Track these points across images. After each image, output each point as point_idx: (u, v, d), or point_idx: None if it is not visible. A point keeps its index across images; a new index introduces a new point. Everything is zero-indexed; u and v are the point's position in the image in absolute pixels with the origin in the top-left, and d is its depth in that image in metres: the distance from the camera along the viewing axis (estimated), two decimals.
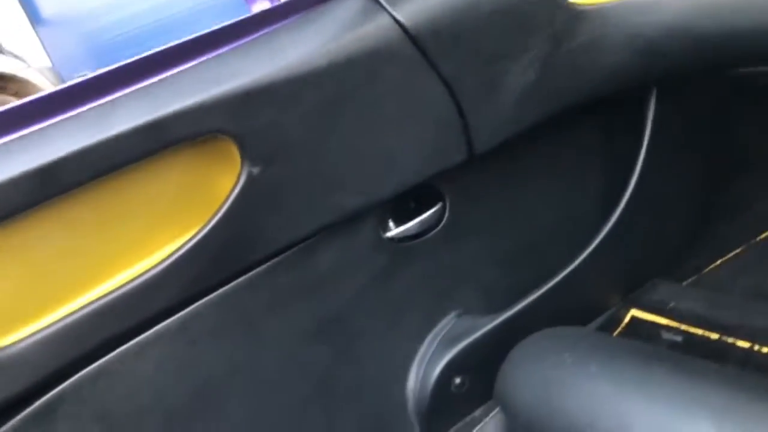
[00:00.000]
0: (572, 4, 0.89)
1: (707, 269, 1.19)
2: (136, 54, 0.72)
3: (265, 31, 0.80)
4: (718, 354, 0.98)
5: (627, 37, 0.90)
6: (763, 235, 1.22)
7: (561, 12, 0.88)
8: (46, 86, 5.12)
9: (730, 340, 1.01)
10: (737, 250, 1.21)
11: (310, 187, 0.81)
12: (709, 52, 0.88)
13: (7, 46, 4.96)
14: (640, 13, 0.89)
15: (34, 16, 8.93)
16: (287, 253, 0.83)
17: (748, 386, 0.71)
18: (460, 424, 1.00)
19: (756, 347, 0.97)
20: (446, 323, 1.00)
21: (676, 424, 0.68)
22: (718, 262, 1.20)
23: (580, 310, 1.09)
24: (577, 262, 1.07)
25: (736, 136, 1.22)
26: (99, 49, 8.63)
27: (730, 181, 1.22)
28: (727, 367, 0.94)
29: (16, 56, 4.92)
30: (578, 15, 0.89)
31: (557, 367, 0.84)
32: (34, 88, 5.10)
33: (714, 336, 1.03)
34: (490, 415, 1.01)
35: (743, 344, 0.98)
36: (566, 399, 0.79)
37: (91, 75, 0.69)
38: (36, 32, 8.98)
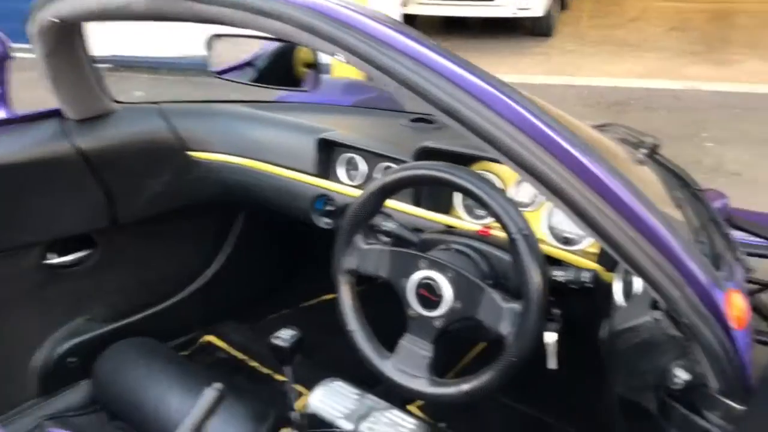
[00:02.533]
0: (189, 155, 1.57)
1: (265, 319, 1.94)
2: None
3: None
4: (234, 370, 1.70)
5: (220, 181, 1.60)
6: (306, 303, 2.01)
7: (182, 158, 1.56)
8: None
9: (252, 363, 1.74)
10: (287, 310, 1.98)
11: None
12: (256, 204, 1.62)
13: None
14: (230, 171, 1.59)
15: None
16: None
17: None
18: (68, 387, 1.57)
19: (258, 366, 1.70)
20: (77, 324, 1.58)
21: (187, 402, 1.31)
22: (274, 315, 1.95)
23: (170, 329, 1.75)
24: (176, 298, 1.73)
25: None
26: None
27: (297, 270, 2.00)
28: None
29: None
30: (192, 161, 1.57)
31: (135, 367, 1.46)
32: None
33: (249, 360, 1.75)
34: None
35: (253, 364, 1.72)
36: (138, 388, 1.40)
37: None
38: None
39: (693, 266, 0.76)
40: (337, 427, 1.34)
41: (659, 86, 5.35)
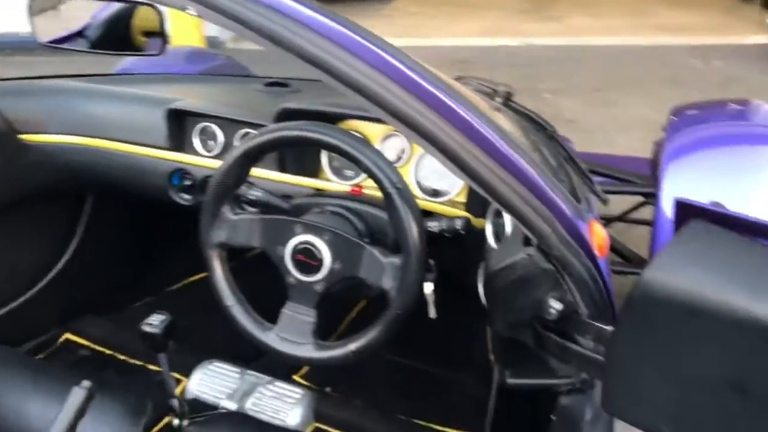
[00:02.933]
0: (20, 138, 1.41)
1: (128, 309, 1.81)
2: None
3: None
4: (101, 366, 1.58)
5: (61, 165, 1.45)
6: (172, 287, 1.91)
7: (11, 142, 1.39)
8: None
9: (120, 356, 1.63)
10: (152, 296, 1.87)
11: None
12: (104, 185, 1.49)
13: None
14: (73, 153, 1.45)
15: None
16: None
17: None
18: None
19: (127, 359, 1.59)
20: None
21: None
22: (138, 303, 1.84)
23: (21, 332, 1.58)
24: (24, 297, 1.57)
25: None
26: None
27: (158, 253, 1.89)
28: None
29: None
30: (25, 146, 1.41)
31: None
32: None
33: (116, 354, 1.63)
34: None
35: (122, 357, 1.61)
36: None
37: None
38: None
39: (559, 201, 0.79)
40: (222, 409, 1.29)
41: (498, 44, 5.61)
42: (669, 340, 0.70)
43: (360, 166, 0.94)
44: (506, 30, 6.00)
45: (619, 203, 2.03)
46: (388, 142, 1.25)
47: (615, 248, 1.81)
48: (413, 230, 0.91)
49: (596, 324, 0.82)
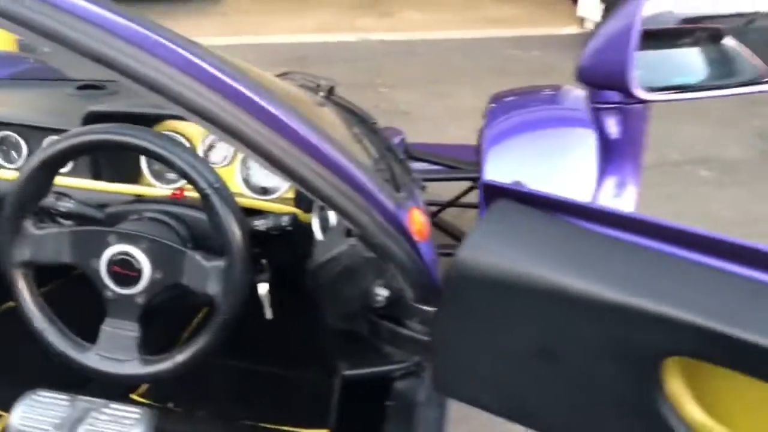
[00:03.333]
0: None
1: None
2: None
3: None
4: None
5: None
6: None
7: None
8: None
9: None
10: None
11: None
12: None
13: None
14: None
15: None
16: None
17: None
18: None
19: None
20: None
21: None
22: None
23: None
24: None
25: None
26: None
27: None
28: None
29: None
30: None
31: None
32: None
33: None
34: None
35: None
36: None
37: None
38: None
39: (376, 192, 0.81)
40: None
41: (334, 39, 5.65)
42: (484, 315, 0.74)
43: (173, 168, 0.89)
44: (342, 26, 6.06)
45: (453, 189, 2.12)
46: (213, 141, 1.21)
47: (450, 232, 1.89)
48: (234, 231, 0.89)
49: (421, 307, 0.84)
